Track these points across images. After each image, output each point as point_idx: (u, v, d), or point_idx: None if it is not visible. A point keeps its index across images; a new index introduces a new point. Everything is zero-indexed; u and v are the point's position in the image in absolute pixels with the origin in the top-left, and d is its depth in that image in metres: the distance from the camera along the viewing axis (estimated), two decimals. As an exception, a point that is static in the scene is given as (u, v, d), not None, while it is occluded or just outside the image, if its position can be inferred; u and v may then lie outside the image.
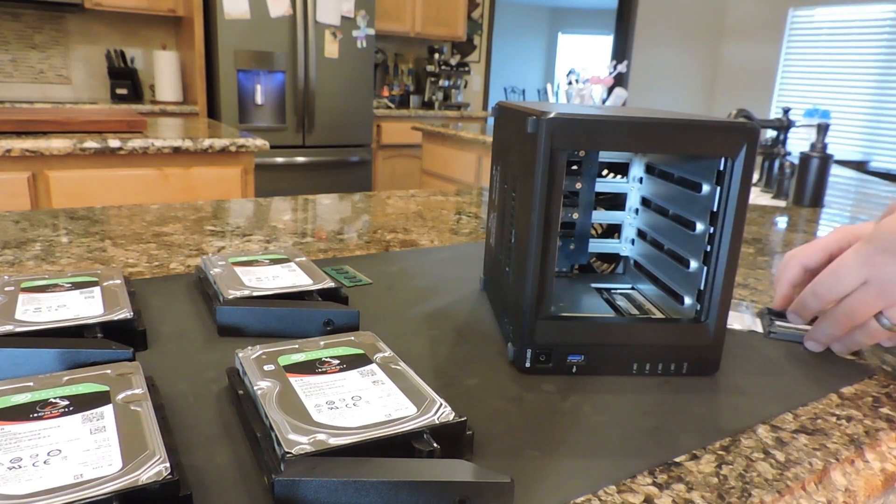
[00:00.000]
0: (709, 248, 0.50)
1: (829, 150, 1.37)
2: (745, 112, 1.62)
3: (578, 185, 0.63)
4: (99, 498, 0.29)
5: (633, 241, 0.66)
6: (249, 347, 0.45)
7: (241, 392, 0.42)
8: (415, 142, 4.14)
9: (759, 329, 0.63)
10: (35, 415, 0.36)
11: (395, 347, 0.48)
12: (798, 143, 2.72)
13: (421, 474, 0.33)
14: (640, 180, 0.64)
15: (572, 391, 0.48)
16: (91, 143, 1.69)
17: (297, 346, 0.46)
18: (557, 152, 0.46)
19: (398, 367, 0.44)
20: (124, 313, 0.51)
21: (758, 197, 1.53)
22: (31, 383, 0.39)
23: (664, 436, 0.43)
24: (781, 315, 0.62)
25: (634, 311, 0.58)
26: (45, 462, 0.32)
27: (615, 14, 5.75)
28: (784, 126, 1.61)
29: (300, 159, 3.75)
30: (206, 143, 1.86)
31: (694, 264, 0.52)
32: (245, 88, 3.51)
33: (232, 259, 0.66)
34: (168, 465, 0.32)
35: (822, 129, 1.36)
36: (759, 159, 1.68)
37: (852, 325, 0.54)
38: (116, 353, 0.45)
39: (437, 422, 0.37)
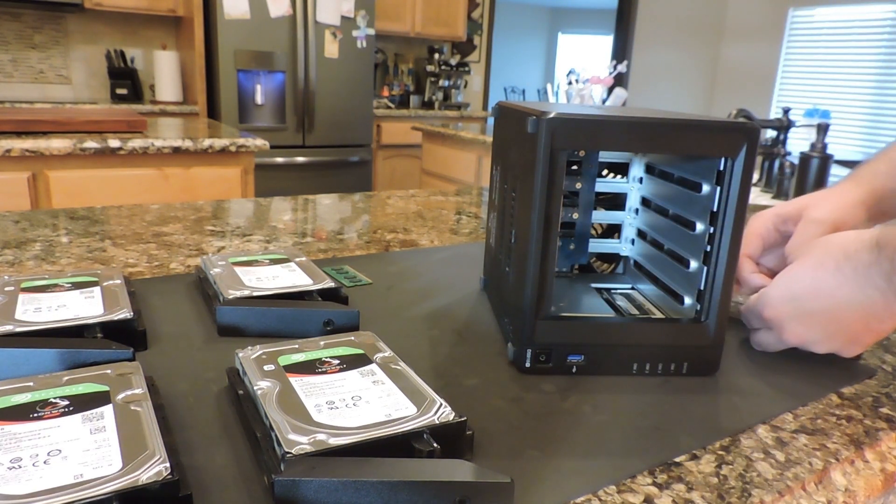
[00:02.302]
0: (709, 248, 0.50)
1: (829, 150, 1.37)
2: (745, 112, 1.62)
3: (578, 185, 0.63)
4: (99, 498, 0.29)
5: (633, 241, 0.66)
6: (249, 347, 0.45)
7: (241, 392, 0.42)
8: (415, 142, 4.14)
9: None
10: (35, 415, 0.36)
11: (395, 347, 0.48)
12: (798, 143, 2.72)
13: (421, 474, 0.33)
14: (640, 180, 0.64)
15: (572, 391, 0.48)
16: (91, 143, 1.69)
17: (297, 346, 0.46)
18: (557, 152, 0.46)
19: (398, 367, 0.44)
20: (124, 313, 0.51)
21: (758, 197, 1.53)
22: (31, 383, 0.39)
23: (664, 436, 0.43)
24: None
25: (634, 311, 0.58)
26: (45, 462, 0.32)
27: (615, 14, 5.75)
28: (784, 126, 1.61)
29: (300, 159, 3.75)
30: (206, 143, 1.86)
31: (694, 264, 0.52)
32: (245, 88, 3.51)
33: (232, 259, 0.66)
34: (168, 465, 0.32)
35: (822, 129, 1.36)
36: (759, 159, 1.68)
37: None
38: (116, 353, 0.45)
39: (437, 422, 0.37)
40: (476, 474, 0.33)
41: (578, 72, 2.80)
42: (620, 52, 5.66)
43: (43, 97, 3.65)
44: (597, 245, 0.67)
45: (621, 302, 0.60)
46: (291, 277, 0.62)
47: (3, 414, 0.36)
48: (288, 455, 0.33)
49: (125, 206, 1.03)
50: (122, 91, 3.69)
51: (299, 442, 0.34)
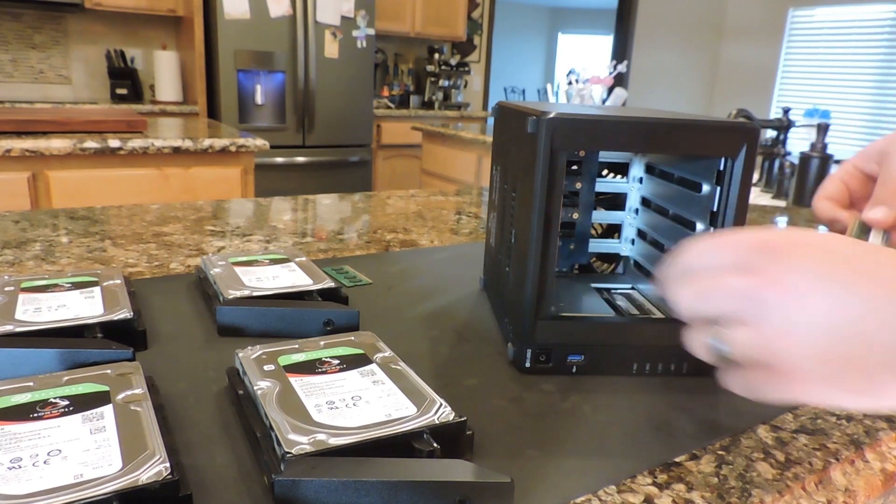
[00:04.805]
0: (709, 248, 0.50)
1: (829, 150, 1.37)
2: (745, 112, 1.62)
3: (578, 185, 0.63)
4: (99, 498, 0.29)
5: (633, 241, 0.66)
6: (249, 347, 0.45)
7: (241, 392, 0.42)
8: (415, 142, 4.14)
9: None
10: (35, 415, 0.36)
11: (395, 347, 0.48)
12: (798, 143, 2.72)
13: (421, 474, 0.33)
14: (640, 180, 0.64)
15: (572, 391, 0.48)
16: (91, 143, 1.69)
17: (297, 346, 0.46)
18: (557, 152, 0.46)
19: (398, 367, 0.44)
20: (124, 313, 0.51)
21: (758, 197, 1.53)
22: (31, 383, 0.39)
23: (664, 436, 0.43)
24: None
25: (634, 311, 0.58)
26: (45, 462, 0.32)
27: (615, 14, 5.75)
28: (784, 126, 1.61)
29: (300, 159, 3.75)
30: (206, 143, 1.86)
31: (694, 264, 0.52)
32: (245, 88, 3.51)
33: (232, 259, 0.66)
34: (168, 465, 0.32)
35: (822, 129, 1.36)
36: (759, 159, 1.68)
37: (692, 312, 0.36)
38: (116, 353, 0.45)
39: (437, 422, 0.37)
40: (476, 474, 0.33)
41: (578, 72, 2.80)
42: (620, 52, 5.65)
43: (43, 97, 3.65)
44: (597, 245, 0.67)
45: (621, 302, 0.60)
46: (291, 277, 0.62)
47: (3, 414, 0.36)
48: (288, 455, 0.33)
49: (125, 206, 1.03)
50: (122, 91, 3.69)
51: (299, 442, 0.34)
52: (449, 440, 0.37)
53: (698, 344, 0.37)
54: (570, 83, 2.75)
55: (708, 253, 0.36)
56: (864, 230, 0.46)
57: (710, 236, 0.37)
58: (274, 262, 0.66)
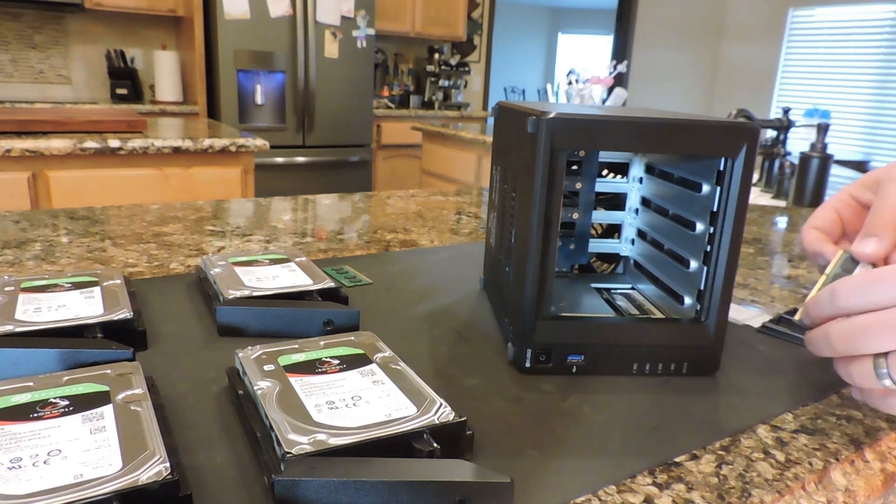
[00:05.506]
0: (709, 248, 0.50)
1: (829, 150, 1.37)
2: (745, 112, 1.62)
3: (578, 185, 0.63)
4: (99, 498, 0.29)
5: (633, 241, 0.66)
6: (249, 347, 0.45)
7: (241, 392, 0.42)
8: (415, 142, 4.14)
9: (756, 325, 0.62)
10: (35, 415, 0.36)
11: (395, 347, 0.48)
12: (798, 143, 2.72)
13: (421, 474, 0.33)
14: (640, 180, 0.64)
15: (572, 391, 0.48)
16: (91, 143, 1.69)
17: (297, 346, 0.46)
18: (557, 152, 0.46)
19: (398, 367, 0.44)
20: (124, 313, 0.51)
21: (758, 197, 1.53)
22: (31, 383, 0.39)
23: (664, 436, 0.43)
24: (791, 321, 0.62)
25: (634, 311, 0.58)
26: (45, 462, 0.32)
27: (615, 14, 5.75)
28: (784, 126, 1.61)
29: (300, 159, 3.75)
30: (206, 143, 1.86)
31: (694, 264, 0.52)
32: (245, 88, 3.51)
33: (232, 259, 0.66)
34: (168, 465, 0.32)
35: (822, 129, 1.36)
36: (759, 159, 1.68)
37: (847, 351, 0.40)
38: (116, 353, 0.45)
39: (437, 422, 0.37)
40: (476, 474, 0.33)
41: (578, 72, 2.80)
42: (620, 52, 5.66)
43: (43, 97, 3.65)
44: (597, 245, 0.67)
45: (621, 302, 0.60)
46: (291, 277, 0.62)
47: (3, 414, 0.36)
48: (288, 455, 0.33)
49: (125, 206, 1.03)
50: (122, 91, 3.69)
51: (299, 442, 0.34)
52: (449, 440, 0.37)
53: (859, 373, 0.40)
54: (570, 83, 2.75)
55: (866, 291, 0.39)
56: (849, 263, 0.44)
57: (862, 276, 0.40)
58: (274, 262, 0.66)
